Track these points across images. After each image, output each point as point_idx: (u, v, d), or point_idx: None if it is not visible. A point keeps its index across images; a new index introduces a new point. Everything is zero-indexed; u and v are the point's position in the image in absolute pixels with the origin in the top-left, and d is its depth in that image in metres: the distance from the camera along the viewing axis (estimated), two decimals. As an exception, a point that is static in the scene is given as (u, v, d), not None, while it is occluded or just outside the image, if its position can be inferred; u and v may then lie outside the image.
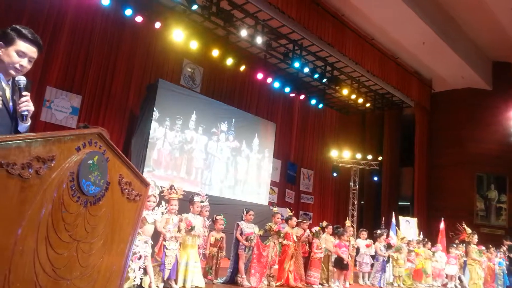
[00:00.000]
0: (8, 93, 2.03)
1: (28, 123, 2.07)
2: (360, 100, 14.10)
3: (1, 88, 1.99)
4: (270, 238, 6.47)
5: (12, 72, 2.05)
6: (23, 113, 2.01)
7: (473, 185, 14.11)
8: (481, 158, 13.93)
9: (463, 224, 9.92)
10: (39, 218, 1.68)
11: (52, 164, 1.72)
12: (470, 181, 14.11)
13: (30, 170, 1.63)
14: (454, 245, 9.77)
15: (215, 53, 11.11)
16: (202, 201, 5.81)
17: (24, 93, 2.03)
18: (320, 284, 6.97)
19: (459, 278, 9.79)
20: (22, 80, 2.05)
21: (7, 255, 1.57)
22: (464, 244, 9.72)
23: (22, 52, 2.04)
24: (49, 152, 1.71)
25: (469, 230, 9.65)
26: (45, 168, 1.69)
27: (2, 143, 1.54)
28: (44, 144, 1.70)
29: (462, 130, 14.22)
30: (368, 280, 8.28)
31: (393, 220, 9.86)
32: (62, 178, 1.77)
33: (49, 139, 1.73)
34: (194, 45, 10.57)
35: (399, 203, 15.38)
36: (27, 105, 2.02)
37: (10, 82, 2.07)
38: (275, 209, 7.42)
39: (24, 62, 2.05)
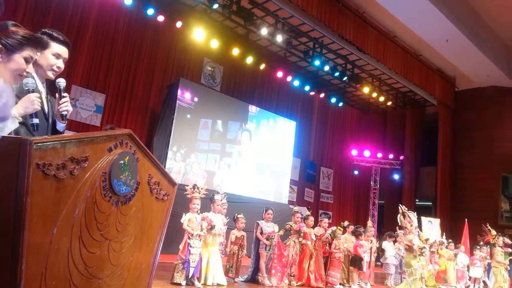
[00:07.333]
0: (44, 95, 2.10)
1: (65, 123, 2.13)
2: (382, 99, 13.88)
3: (38, 91, 2.05)
4: (290, 237, 6.45)
5: (50, 74, 2.14)
6: (63, 113, 2.08)
7: (498, 185, 13.77)
8: (506, 158, 13.58)
9: (487, 225, 9.68)
10: (73, 218, 1.70)
11: (86, 165, 1.74)
12: (495, 181, 13.77)
13: (64, 170, 1.65)
14: (478, 247, 9.54)
15: (235, 51, 11.12)
16: (221, 199, 5.83)
17: (65, 94, 2.13)
18: (340, 284, 6.92)
19: (484, 281, 9.55)
20: (62, 82, 2.13)
21: (44, 253, 1.60)
22: (488, 246, 9.48)
23: (58, 54, 2.13)
24: (83, 152, 1.74)
25: (494, 232, 9.41)
26: (79, 169, 1.71)
27: (39, 144, 1.57)
28: (78, 145, 1.72)
29: (487, 129, 13.86)
30: (388, 281, 8.16)
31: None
32: (95, 178, 1.79)
33: (82, 140, 1.75)
34: (215, 44, 10.61)
35: (421, 203, 15.10)
36: (67, 105, 2.09)
37: (44, 85, 2.13)
38: (295, 208, 7.39)
39: (60, 63, 2.14)
